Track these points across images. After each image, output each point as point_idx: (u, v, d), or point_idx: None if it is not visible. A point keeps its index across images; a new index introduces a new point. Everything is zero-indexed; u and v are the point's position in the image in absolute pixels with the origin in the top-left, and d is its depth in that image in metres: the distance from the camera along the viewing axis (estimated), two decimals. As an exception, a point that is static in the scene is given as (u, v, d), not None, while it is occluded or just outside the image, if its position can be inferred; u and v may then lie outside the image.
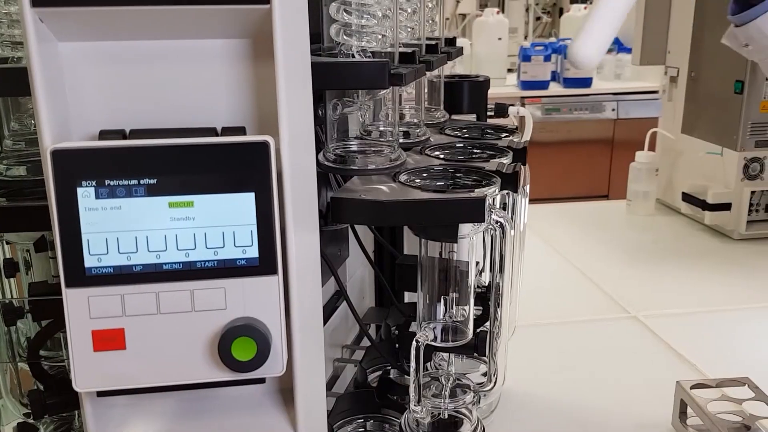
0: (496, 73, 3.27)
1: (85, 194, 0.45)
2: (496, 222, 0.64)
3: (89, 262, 0.46)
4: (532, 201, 0.89)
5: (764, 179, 1.55)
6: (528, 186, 0.86)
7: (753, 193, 1.56)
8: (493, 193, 0.61)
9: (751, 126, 1.51)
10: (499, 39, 3.33)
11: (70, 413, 0.69)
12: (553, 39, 3.63)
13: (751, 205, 1.57)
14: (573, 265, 1.43)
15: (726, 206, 1.57)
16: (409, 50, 0.64)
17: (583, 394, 0.99)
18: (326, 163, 0.62)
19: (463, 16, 3.66)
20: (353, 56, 0.59)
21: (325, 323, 0.85)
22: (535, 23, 4.09)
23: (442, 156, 0.72)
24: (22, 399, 0.73)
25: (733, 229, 1.56)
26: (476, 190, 0.60)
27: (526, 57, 3.22)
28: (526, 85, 3.23)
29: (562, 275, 1.39)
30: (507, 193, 0.70)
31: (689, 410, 0.90)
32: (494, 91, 1.00)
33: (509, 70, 3.50)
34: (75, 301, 0.46)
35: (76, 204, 0.45)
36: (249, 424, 0.54)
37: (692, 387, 0.90)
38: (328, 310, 0.85)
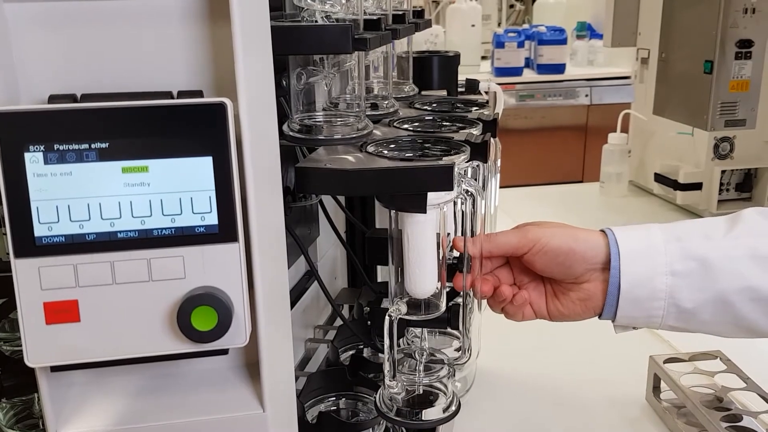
0: (470, 59, 3.26)
1: (33, 159, 0.43)
2: (466, 192, 0.63)
3: (39, 231, 0.44)
4: (505, 186, 0.88)
5: (734, 158, 1.57)
6: (499, 161, 0.86)
7: (723, 172, 1.58)
8: (461, 161, 0.60)
9: (720, 106, 1.52)
10: (473, 26, 3.32)
11: (29, 396, 0.66)
12: (526, 26, 3.64)
13: (721, 184, 1.59)
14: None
15: (697, 186, 1.58)
16: (375, 17, 0.62)
17: (557, 372, 0.99)
18: (291, 133, 0.61)
19: (437, 3, 3.65)
20: (316, 22, 0.57)
21: (296, 303, 0.83)
22: (508, 10, 4.09)
23: (410, 128, 0.71)
24: (-21, 384, 0.70)
25: (705, 208, 1.58)
26: (444, 158, 0.59)
27: (499, 44, 3.21)
28: (500, 71, 3.23)
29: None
30: (477, 165, 0.69)
31: (662, 384, 0.90)
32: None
33: (483, 57, 3.50)
34: (25, 272, 0.44)
35: (23, 170, 0.43)
36: (215, 399, 0.53)
37: (665, 361, 0.90)
38: (299, 291, 0.83)
